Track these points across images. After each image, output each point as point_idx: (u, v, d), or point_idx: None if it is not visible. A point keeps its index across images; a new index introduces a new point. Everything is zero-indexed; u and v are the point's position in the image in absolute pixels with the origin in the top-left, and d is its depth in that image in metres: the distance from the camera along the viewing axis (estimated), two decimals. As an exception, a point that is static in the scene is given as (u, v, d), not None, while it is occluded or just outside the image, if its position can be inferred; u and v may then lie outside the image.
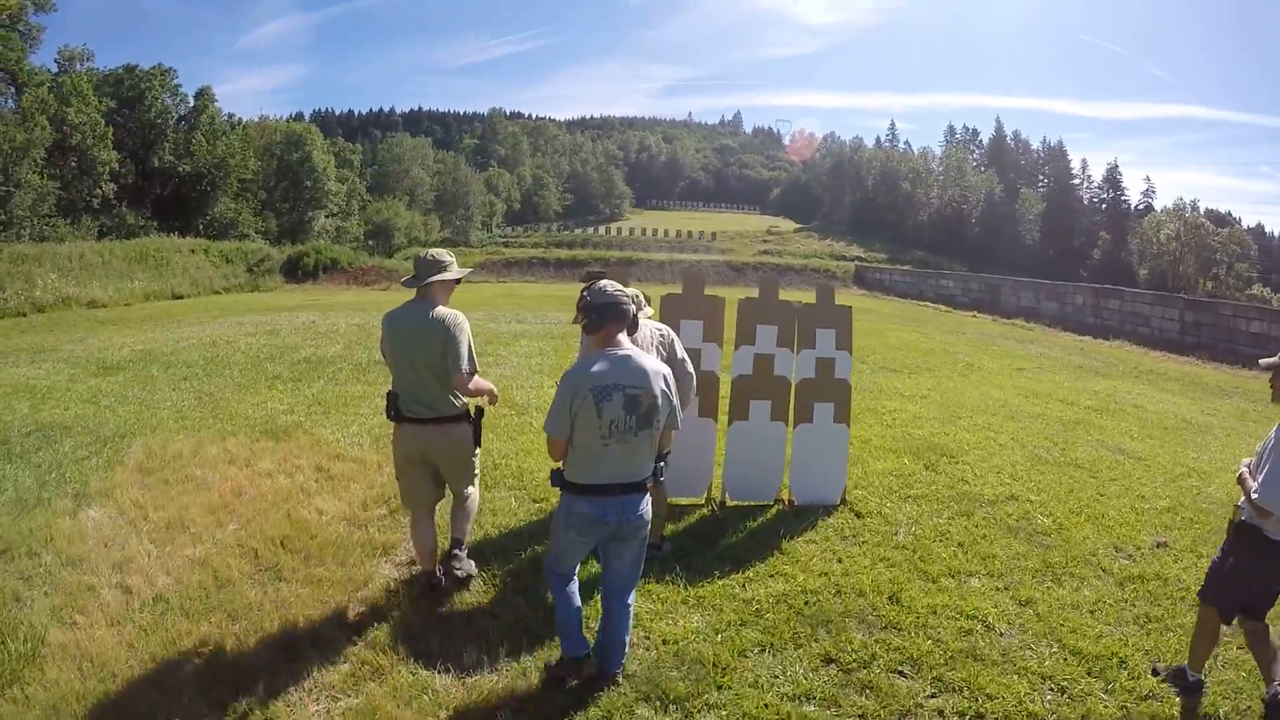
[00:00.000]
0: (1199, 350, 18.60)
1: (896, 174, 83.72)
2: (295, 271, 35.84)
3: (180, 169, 44.83)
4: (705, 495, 6.20)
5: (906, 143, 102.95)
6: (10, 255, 23.48)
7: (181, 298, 26.76)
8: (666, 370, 3.61)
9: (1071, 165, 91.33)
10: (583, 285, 3.73)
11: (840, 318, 6.22)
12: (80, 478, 6.38)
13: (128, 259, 27.91)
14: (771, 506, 6.15)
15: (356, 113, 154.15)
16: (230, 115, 51.77)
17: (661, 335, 4.76)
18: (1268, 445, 3.49)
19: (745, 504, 6.16)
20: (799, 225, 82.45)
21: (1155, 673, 4.00)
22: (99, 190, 39.03)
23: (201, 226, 42.94)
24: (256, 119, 57.72)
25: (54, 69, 41.88)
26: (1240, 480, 3.64)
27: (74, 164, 37.29)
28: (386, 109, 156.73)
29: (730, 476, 6.14)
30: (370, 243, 56.79)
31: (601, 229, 74.41)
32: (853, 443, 7.78)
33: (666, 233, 65.05)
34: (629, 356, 3.48)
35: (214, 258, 32.60)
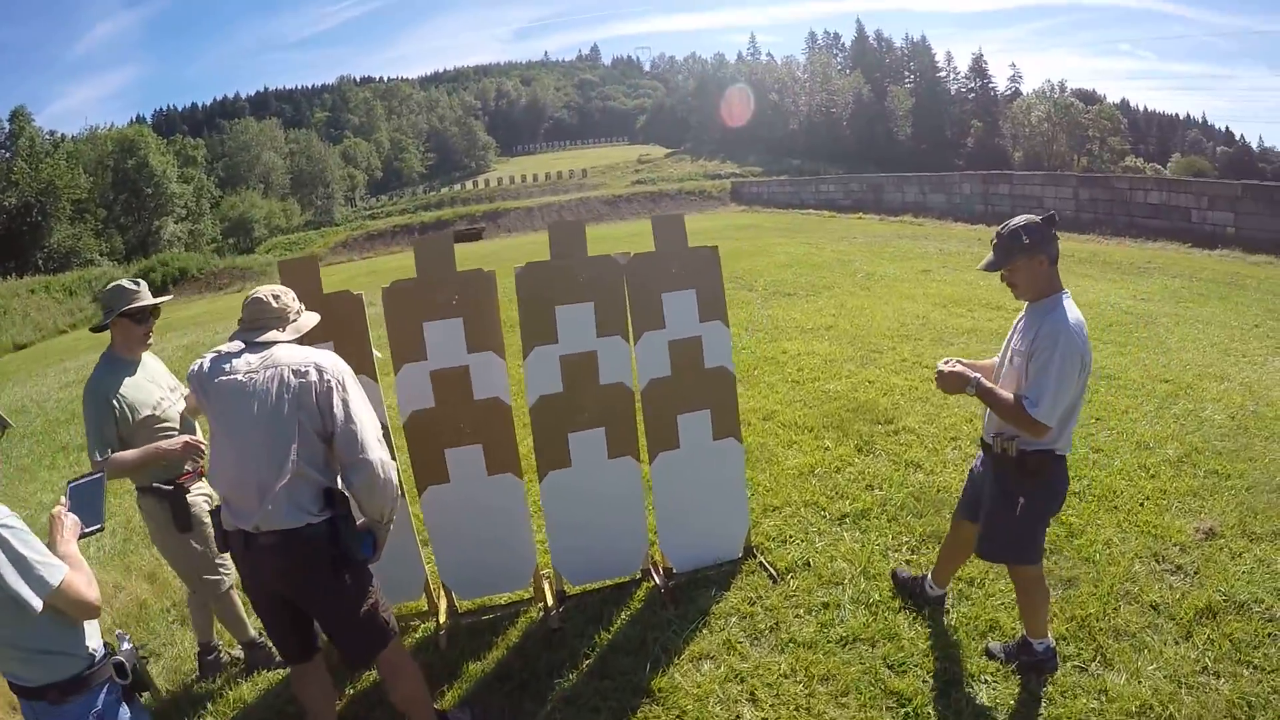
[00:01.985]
0: (1097, 227, 17.11)
1: (762, 86, 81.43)
2: None
3: (6, 202, 39.58)
4: (530, 587, 3.82)
5: (769, 54, 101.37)
6: None
7: (24, 346, 23.00)
8: None
9: (937, 59, 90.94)
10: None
11: (701, 266, 3.69)
12: None
13: None
14: (634, 587, 3.81)
15: (201, 105, 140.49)
16: (52, 133, 45.88)
17: (300, 380, 2.43)
18: (1020, 349, 2.71)
19: (593, 587, 3.81)
20: (670, 150, 79.71)
21: (990, 654, 3.09)
22: None
23: (40, 261, 37.95)
24: (86, 132, 51.68)
25: None
26: (982, 391, 2.72)
27: None
28: (231, 96, 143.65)
29: (560, 555, 3.75)
30: (230, 240, 52.11)
31: (469, 184, 70.10)
32: (751, 419, 5.57)
33: (535, 177, 61.55)
34: None
35: (55, 293, 28.58)
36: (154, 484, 3.23)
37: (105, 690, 2.08)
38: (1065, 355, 2.54)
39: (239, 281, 31.56)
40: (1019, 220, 2.65)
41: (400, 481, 2.56)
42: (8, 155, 41.22)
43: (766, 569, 3.76)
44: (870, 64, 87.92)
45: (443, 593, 3.83)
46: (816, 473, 4.80)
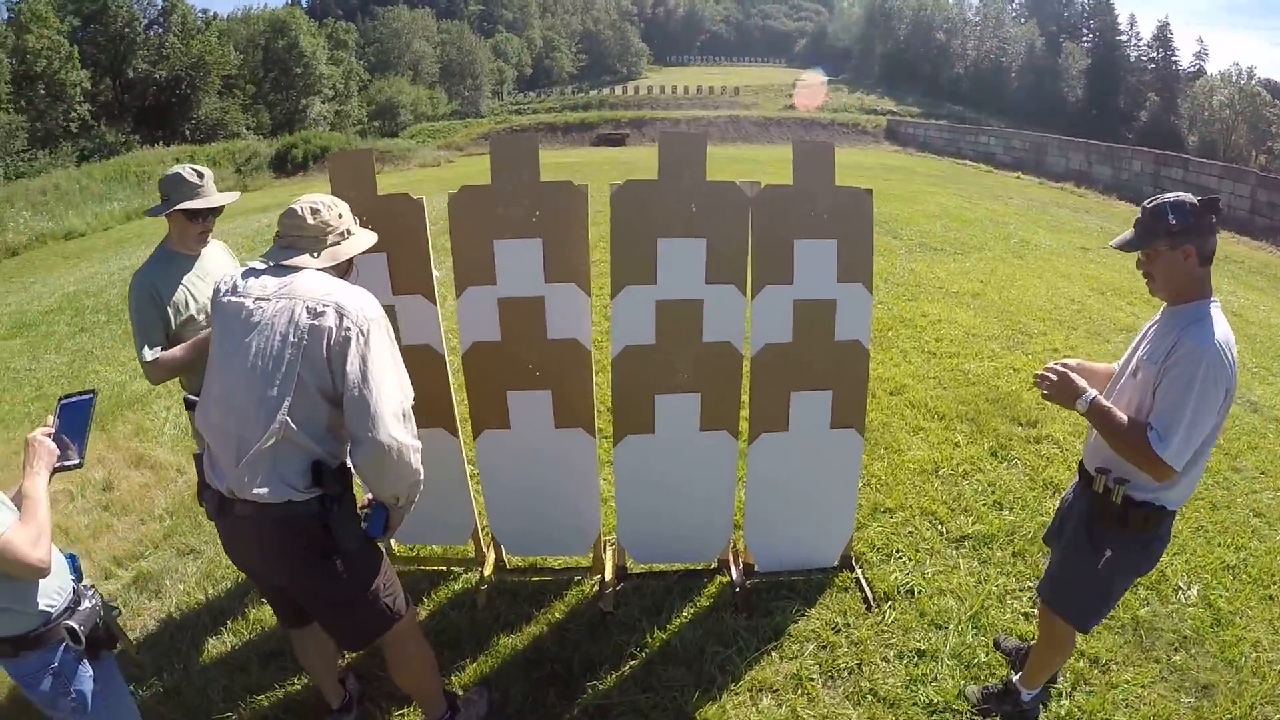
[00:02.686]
0: (1270, 235, 14.84)
1: (930, 23, 74.92)
2: (285, 165, 31.77)
3: (157, 76, 40.49)
4: (589, 555, 3.31)
5: None
6: None
7: None
8: None
9: (1119, 20, 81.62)
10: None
11: (849, 212, 2.89)
12: None
13: (106, 180, 24.86)
14: (706, 579, 3.24)
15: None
16: (205, 11, 47.40)
17: (313, 321, 1.90)
18: (1151, 360, 2.04)
19: (659, 568, 3.27)
20: (828, 78, 74.60)
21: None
22: (74, 113, 35.42)
23: (188, 131, 38.75)
24: (240, 12, 53.20)
25: None
26: (1096, 411, 2.05)
27: (42, 91, 33.92)
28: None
29: (626, 527, 3.20)
30: (375, 124, 52.33)
31: (618, 89, 67.12)
32: (877, 392, 4.92)
33: (686, 90, 58.77)
34: None
35: (200, 162, 28.98)
36: (186, 395, 2.89)
37: (63, 648, 1.87)
38: (1208, 382, 1.92)
39: (379, 163, 32.09)
40: (1171, 197, 2.06)
41: (420, 466, 2.00)
42: (160, 30, 42.51)
43: (862, 589, 3.10)
44: (1047, 14, 79.41)
45: (491, 545, 3.39)
46: (941, 473, 4.03)
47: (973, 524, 3.56)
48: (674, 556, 3.26)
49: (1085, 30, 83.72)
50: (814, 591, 3.10)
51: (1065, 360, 2.19)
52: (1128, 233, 2.11)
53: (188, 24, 43.56)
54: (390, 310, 2.92)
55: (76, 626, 1.87)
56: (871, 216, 2.91)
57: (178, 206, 2.70)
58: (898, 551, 3.37)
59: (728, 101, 54.75)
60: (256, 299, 1.93)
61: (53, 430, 1.98)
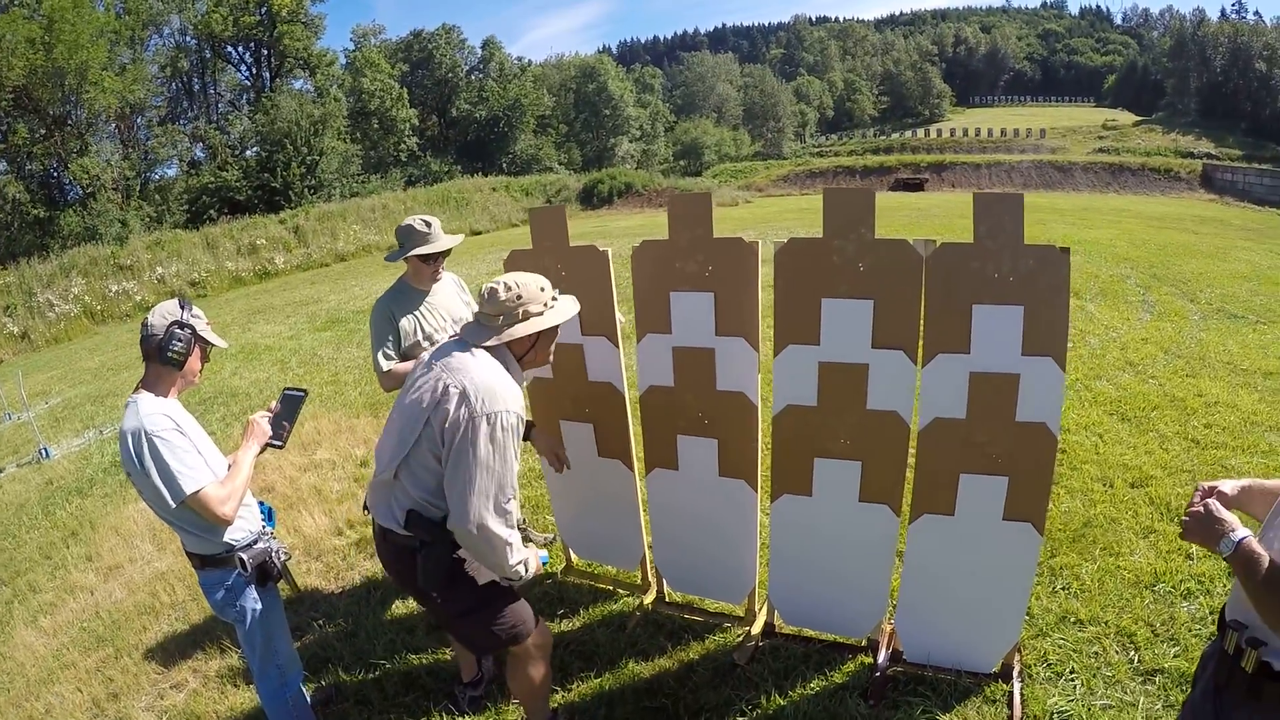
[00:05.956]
0: None
1: (1249, 51, 62.20)
2: (591, 198, 34.86)
3: (477, 115, 45.74)
4: (744, 606, 3.31)
5: (1257, 13, 78.48)
6: (317, 214, 25.05)
7: (479, 233, 27.06)
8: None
9: None
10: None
11: (1040, 275, 2.55)
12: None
13: (429, 203, 28.76)
14: (850, 655, 3.07)
15: (662, 38, 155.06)
16: (520, 59, 52.93)
17: (439, 397, 2.19)
18: None
19: (808, 633, 3.18)
20: (1139, 118, 66.46)
21: None
22: (404, 145, 40.80)
23: (505, 165, 43.14)
24: (552, 59, 58.27)
25: (351, 46, 45.02)
26: (1242, 559, 1.56)
27: (376, 125, 40.09)
28: (690, 30, 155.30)
29: (779, 585, 3.15)
30: (680, 162, 55.53)
31: (920, 132, 65.39)
32: (1115, 481, 4.45)
33: (990, 132, 55.83)
34: None
35: (514, 193, 33.06)
36: None
37: (236, 572, 2.44)
38: None
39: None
40: None
41: (510, 559, 2.21)
42: (480, 76, 48.48)
43: (1010, 707, 2.71)
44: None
45: (655, 576, 3.52)
46: (1158, 589, 3.41)
47: (1174, 656, 2.95)
48: (824, 625, 3.14)
49: None
50: (956, 696, 2.79)
51: (1221, 484, 1.75)
52: None
53: (505, 70, 49.15)
54: (578, 349, 3.20)
55: (246, 558, 2.42)
56: (1067, 280, 2.55)
57: (412, 253, 3.18)
58: (1071, 672, 2.90)
59: (1033, 145, 50.87)
60: (430, 363, 2.26)
61: (273, 413, 2.55)
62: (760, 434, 3.04)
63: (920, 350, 2.71)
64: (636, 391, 3.22)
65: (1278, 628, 1.52)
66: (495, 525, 2.11)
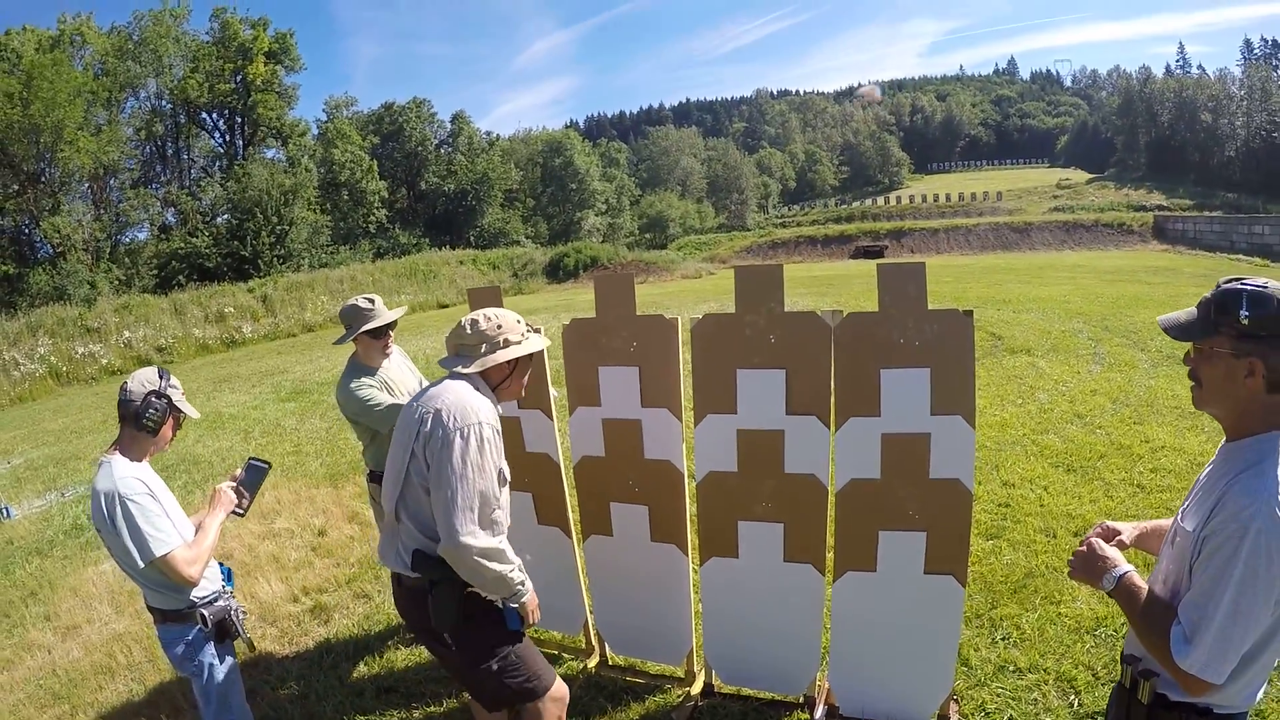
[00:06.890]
0: None
1: (1193, 104, 65.16)
2: (557, 272, 35.39)
3: (446, 188, 46.34)
4: (684, 667, 3.36)
5: (1199, 67, 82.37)
6: (285, 284, 25.28)
7: (446, 306, 27.25)
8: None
9: None
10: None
11: (944, 337, 2.70)
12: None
13: (397, 275, 29.07)
14: (786, 712, 3.11)
15: (628, 112, 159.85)
16: (489, 133, 53.55)
17: (423, 421, 2.27)
18: (1191, 520, 1.55)
19: (746, 692, 3.22)
20: (1092, 175, 69.65)
21: None
22: (373, 216, 41.23)
23: (472, 238, 43.84)
24: (520, 133, 59.73)
25: (323, 117, 45.66)
26: (1122, 594, 1.65)
27: (346, 196, 40.14)
28: (655, 105, 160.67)
29: (714, 647, 3.21)
30: (646, 235, 56.28)
31: (880, 199, 67.92)
32: (1058, 530, 4.57)
33: (948, 197, 58.02)
34: None
35: (481, 266, 33.38)
36: (371, 470, 3.53)
37: (196, 628, 2.53)
38: (1254, 567, 1.39)
39: (643, 274, 33.42)
40: (1254, 284, 1.46)
41: (496, 567, 2.20)
42: (449, 150, 49.06)
43: None
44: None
45: (596, 640, 3.58)
46: (1099, 633, 3.50)
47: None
48: (760, 683, 3.19)
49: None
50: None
51: (1121, 527, 1.81)
52: (1188, 311, 1.58)
53: (474, 144, 49.82)
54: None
55: (208, 615, 2.52)
56: (972, 341, 2.70)
57: (360, 330, 3.32)
58: (1009, 719, 3.01)
59: (990, 208, 52.89)
60: (412, 402, 2.35)
61: (237, 481, 2.67)
62: (688, 500, 3.15)
63: (833, 415, 2.83)
64: (571, 461, 3.32)
65: (1161, 659, 1.54)
66: (483, 539, 2.15)
